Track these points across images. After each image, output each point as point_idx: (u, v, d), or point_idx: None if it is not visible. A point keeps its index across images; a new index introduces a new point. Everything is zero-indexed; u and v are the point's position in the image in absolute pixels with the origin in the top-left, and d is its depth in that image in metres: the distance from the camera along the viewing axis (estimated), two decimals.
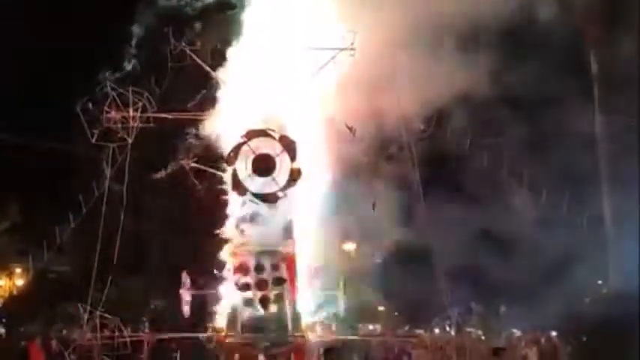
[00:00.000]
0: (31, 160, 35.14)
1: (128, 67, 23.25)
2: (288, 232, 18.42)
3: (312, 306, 19.19)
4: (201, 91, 19.79)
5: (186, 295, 19.40)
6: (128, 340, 18.55)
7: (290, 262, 18.20)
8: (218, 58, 20.04)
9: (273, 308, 17.74)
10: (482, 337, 19.98)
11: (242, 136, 18.17)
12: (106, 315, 18.56)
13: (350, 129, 18.85)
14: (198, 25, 21.72)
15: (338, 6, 19.51)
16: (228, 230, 19.19)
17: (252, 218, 18.27)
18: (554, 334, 25.73)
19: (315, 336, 18.86)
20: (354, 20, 19.16)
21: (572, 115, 25.82)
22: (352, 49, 18.86)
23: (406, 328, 32.81)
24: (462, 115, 21.42)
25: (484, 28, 21.12)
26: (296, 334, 17.93)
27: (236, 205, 18.92)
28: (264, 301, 17.66)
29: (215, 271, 19.15)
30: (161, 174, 20.92)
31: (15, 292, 37.14)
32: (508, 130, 24.81)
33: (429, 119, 20.17)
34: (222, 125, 19.35)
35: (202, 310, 20.29)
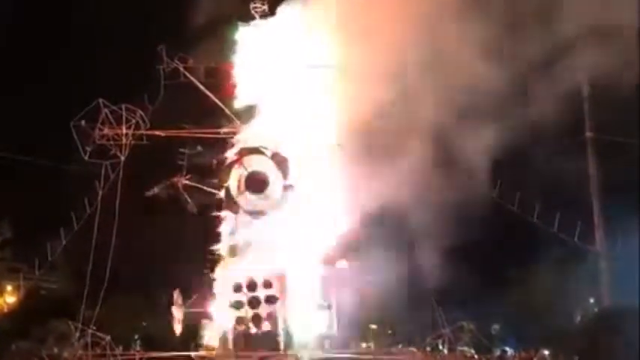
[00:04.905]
0: (23, 177, 35.00)
1: None
2: (280, 249, 18.39)
3: (305, 324, 19.09)
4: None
5: (177, 313, 19.31)
6: (119, 358, 18.44)
7: (282, 280, 18.17)
8: (212, 76, 20.11)
9: (265, 326, 17.71)
10: (475, 356, 19.97)
11: (235, 154, 18.19)
12: (98, 333, 18.45)
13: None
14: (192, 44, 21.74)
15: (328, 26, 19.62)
16: (220, 248, 19.16)
17: (245, 236, 18.25)
18: (546, 352, 25.70)
19: (307, 354, 18.76)
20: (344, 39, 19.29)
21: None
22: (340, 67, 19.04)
23: (399, 346, 32.72)
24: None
25: None
26: (288, 352, 17.86)
27: (229, 223, 18.90)
28: (257, 319, 17.62)
29: (207, 289, 19.07)
30: (153, 191, 20.82)
31: (6, 310, 36.82)
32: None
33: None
34: (216, 142, 19.38)
35: (194, 327, 20.16)
